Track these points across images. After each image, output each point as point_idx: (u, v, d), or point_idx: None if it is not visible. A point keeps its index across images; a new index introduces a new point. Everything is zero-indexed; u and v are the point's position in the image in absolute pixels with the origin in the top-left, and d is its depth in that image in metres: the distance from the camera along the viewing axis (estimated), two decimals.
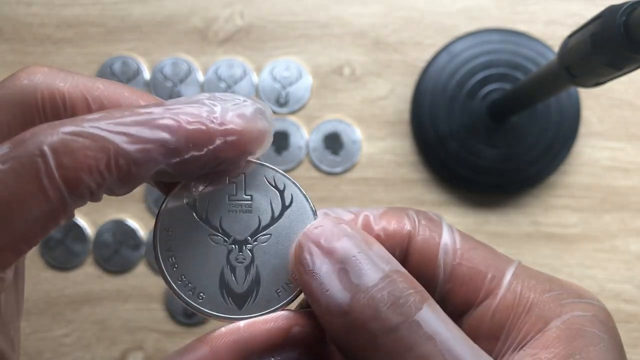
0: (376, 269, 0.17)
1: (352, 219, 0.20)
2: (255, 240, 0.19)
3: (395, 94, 0.49)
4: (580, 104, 0.48)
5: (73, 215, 0.16)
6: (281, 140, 0.49)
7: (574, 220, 0.48)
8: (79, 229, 0.49)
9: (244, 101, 0.18)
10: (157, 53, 0.50)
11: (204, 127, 0.17)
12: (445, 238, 0.20)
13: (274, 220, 0.19)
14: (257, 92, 0.50)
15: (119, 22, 0.50)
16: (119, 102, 0.18)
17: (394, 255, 0.20)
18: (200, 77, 0.50)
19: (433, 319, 0.16)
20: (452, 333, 0.16)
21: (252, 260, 0.19)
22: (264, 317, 0.18)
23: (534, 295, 0.19)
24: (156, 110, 0.16)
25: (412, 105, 0.49)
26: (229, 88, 0.50)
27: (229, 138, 0.17)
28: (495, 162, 0.47)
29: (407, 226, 0.20)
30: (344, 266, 0.17)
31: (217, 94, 0.18)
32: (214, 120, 0.17)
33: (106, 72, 0.50)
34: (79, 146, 0.15)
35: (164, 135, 0.16)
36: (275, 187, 0.19)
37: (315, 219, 0.19)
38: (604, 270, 0.48)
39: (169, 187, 0.19)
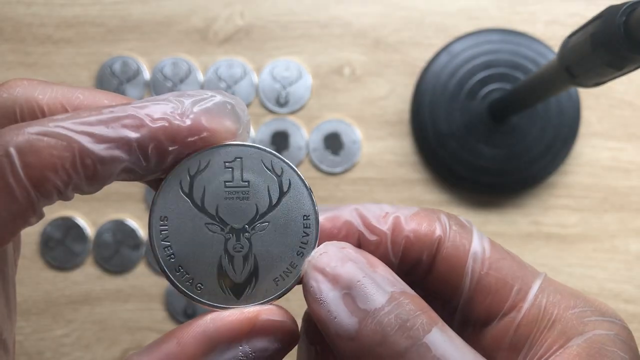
0: (382, 292, 0.17)
1: (383, 216, 0.20)
2: (252, 229, 0.18)
3: (395, 94, 0.49)
4: (580, 104, 0.48)
5: (43, 215, 0.17)
6: (281, 140, 0.49)
7: (573, 220, 0.48)
8: (79, 229, 0.49)
9: (212, 96, 0.18)
10: (157, 53, 0.50)
11: (167, 124, 0.17)
12: (475, 245, 0.20)
13: (271, 207, 0.19)
14: (257, 92, 0.50)
15: (119, 22, 0.50)
16: None
17: (421, 259, 0.20)
18: (200, 77, 0.50)
19: (442, 341, 0.16)
20: (463, 355, 0.16)
21: (250, 249, 0.18)
22: (233, 309, 0.18)
23: (558, 311, 0.19)
24: (121, 109, 0.17)
25: (412, 105, 0.49)
26: (229, 88, 0.50)
27: (194, 137, 0.17)
28: (495, 162, 0.47)
29: (438, 230, 0.20)
30: (349, 291, 0.17)
31: (186, 91, 0.18)
32: (179, 117, 0.17)
33: (106, 72, 0.50)
34: (44, 145, 0.15)
35: (128, 133, 0.16)
36: (273, 171, 0.19)
37: (312, 203, 0.19)
38: (604, 270, 0.48)
39: (160, 183, 0.19)
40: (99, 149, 0.16)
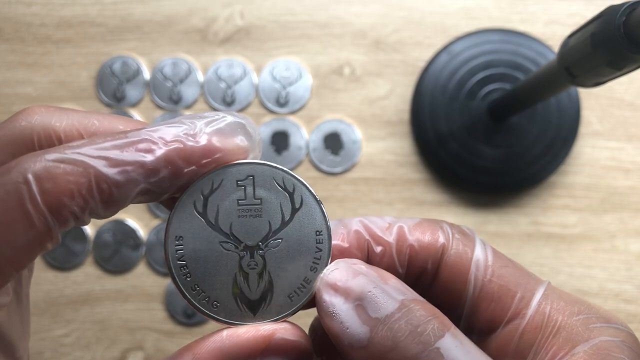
0: (392, 300, 0.17)
1: (386, 227, 0.20)
2: (266, 246, 0.19)
3: (395, 94, 0.49)
4: (580, 104, 0.48)
5: (59, 240, 0.17)
6: (281, 140, 0.49)
7: (573, 220, 0.48)
8: (79, 229, 0.49)
9: (223, 117, 0.18)
10: (157, 53, 0.50)
11: (181, 146, 0.17)
12: (478, 253, 0.20)
13: (284, 224, 0.19)
14: (257, 92, 0.50)
15: (119, 22, 0.50)
16: None
17: (426, 268, 0.20)
18: (200, 77, 0.50)
19: (453, 346, 0.16)
20: None
21: (264, 266, 0.19)
22: (248, 325, 0.18)
23: (562, 318, 0.19)
24: (135, 133, 0.17)
25: (412, 105, 0.49)
26: (229, 88, 0.50)
27: (208, 158, 0.18)
28: (495, 162, 0.47)
29: (441, 239, 0.20)
30: (361, 302, 0.17)
31: (198, 113, 0.18)
32: (192, 139, 0.17)
33: (106, 72, 0.50)
34: (61, 172, 0.16)
35: (143, 156, 0.17)
36: (285, 189, 0.19)
37: (324, 219, 0.19)
38: (604, 270, 0.48)
39: (174, 202, 0.19)
40: (114, 173, 0.16)
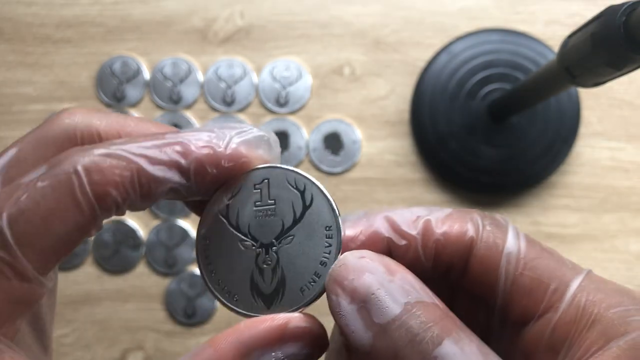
0: (395, 304, 0.17)
1: (413, 220, 0.20)
2: (279, 243, 0.20)
3: (395, 94, 0.49)
4: (580, 104, 0.48)
5: (101, 227, 0.18)
6: (281, 140, 0.49)
7: (574, 220, 0.48)
8: None
9: (250, 129, 0.20)
10: (157, 53, 0.50)
11: (212, 152, 0.19)
12: (510, 245, 0.19)
13: (295, 222, 0.20)
14: (257, 92, 0.50)
15: (119, 22, 0.50)
16: None
17: (453, 263, 0.19)
18: (200, 77, 0.50)
19: (452, 353, 0.16)
20: None
21: (278, 261, 0.20)
22: (264, 316, 0.19)
23: (598, 311, 0.18)
24: (172, 136, 0.19)
25: (412, 105, 0.49)
26: (229, 88, 0.50)
27: (233, 163, 0.19)
28: (495, 162, 0.47)
29: (470, 231, 0.19)
30: (365, 305, 0.18)
31: (227, 124, 0.20)
32: (221, 146, 0.19)
33: (106, 72, 0.50)
34: (108, 165, 0.18)
35: (178, 157, 0.19)
36: (296, 188, 0.20)
37: (333, 214, 0.20)
38: (604, 270, 0.48)
39: (198, 205, 0.21)
40: (153, 170, 0.18)
